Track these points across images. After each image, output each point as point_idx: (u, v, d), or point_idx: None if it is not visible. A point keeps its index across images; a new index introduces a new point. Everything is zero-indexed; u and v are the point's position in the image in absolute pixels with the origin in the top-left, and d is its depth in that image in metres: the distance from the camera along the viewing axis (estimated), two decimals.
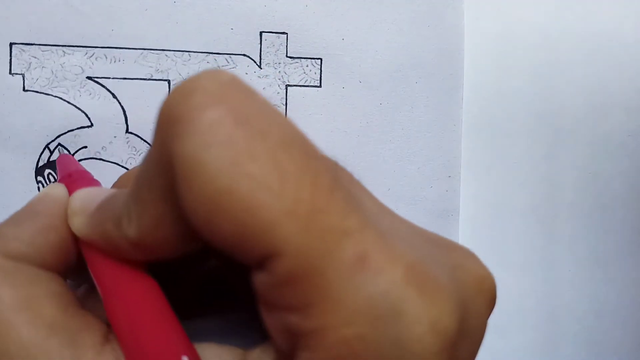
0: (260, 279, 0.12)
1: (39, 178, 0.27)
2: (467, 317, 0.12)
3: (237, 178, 0.11)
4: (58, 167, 0.21)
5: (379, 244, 0.12)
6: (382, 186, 0.29)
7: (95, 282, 0.15)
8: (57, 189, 0.17)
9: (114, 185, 0.19)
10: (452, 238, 0.29)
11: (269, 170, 0.11)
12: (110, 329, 0.15)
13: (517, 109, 0.30)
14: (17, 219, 0.16)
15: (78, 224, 0.16)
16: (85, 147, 0.27)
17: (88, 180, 0.18)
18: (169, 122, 0.12)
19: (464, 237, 0.30)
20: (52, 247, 0.16)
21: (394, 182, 0.29)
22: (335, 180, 0.12)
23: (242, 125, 0.12)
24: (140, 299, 0.14)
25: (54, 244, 0.16)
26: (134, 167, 0.18)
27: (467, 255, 0.14)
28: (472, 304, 0.13)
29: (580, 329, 0.31)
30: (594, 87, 0.30)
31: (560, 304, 0.31)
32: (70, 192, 0.17)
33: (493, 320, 0.30)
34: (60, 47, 0.27)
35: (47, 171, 0.27)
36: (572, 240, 0.31)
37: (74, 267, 0.16)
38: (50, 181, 0.27)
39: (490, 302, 0.14)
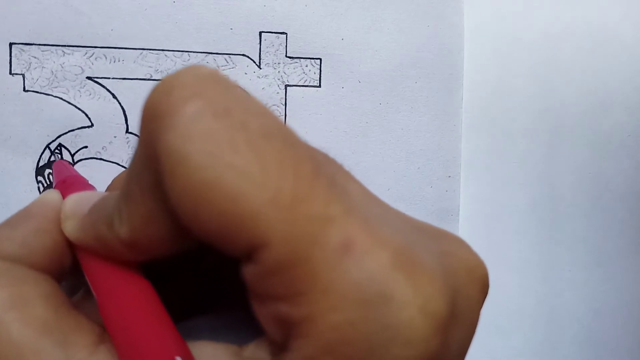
0: (249, 271, 0.12)
1: (40, 178, 0.27)
2: (458, 303, 0.12)
3: (219, 169, 0.11)
4: (54, 173, 0.21)
5: (364, 229, 0.12)
6: (381, 186, 0.29)
7: (90, 285, 0.15)
8: (52, 194, 0.17)
9: (108, 188, 0.19)
10: None
11: (250, 160, 0.11)
12: (105, 331, 0.15)
13: (517, 108, 0.30)
14: (11, 221, 0.16)
15: (70, 228, 0.16)
16: (86, 147, 0.28)
17: (82, 184, 0.18)
18: (152, 117, 0.12)
19: (463, 237, 0.30)
20: (44, 249, 0.16)
21: (394, 182, 0.29)
22: (317, 168, 0.12)
23: (222, 116, 0.12)
24: (133, 300, 0.14)
25: (47, 246, 0.16)
26: (125, 170, 0.19)
27: (458, 242, 0.14)
28: (463, 290, 0.13)
29: (580, 328, 0.31)
30: (594, 86, 0.30)
31: (560, 303, 0.31)
32: (64, 197, 0.17)
33: (493, 320, 0.30)
34: (60, 47, 0.27)
35: (47, 171, 0.27)
36: (571, 240, 0.31)
37: (69, 270, 0.17)
38: (50, 181, 0.27)
39: (482, 289, 0.14)
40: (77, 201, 0.16)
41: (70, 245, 0.16)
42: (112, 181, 0.20)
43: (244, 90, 0.13)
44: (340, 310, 0.11)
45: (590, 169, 0.30)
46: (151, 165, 0.12)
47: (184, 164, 0.11)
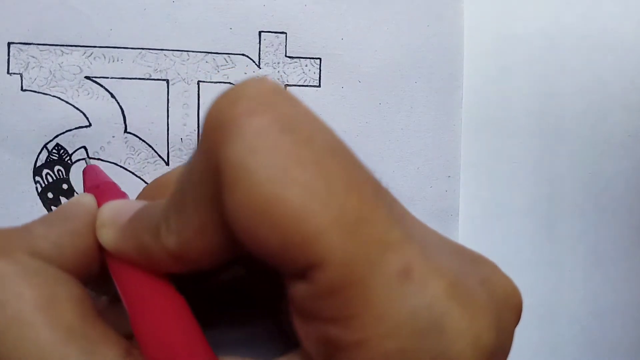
0: (300, 290, 0.12)
1: (37, 178, 0.27)
2: (500, 331, 0.12)
3: (284, 184, 0.11)
4: (85, 177, 0.20)
5: (421, 257, 0.11)
6: None
7: (120, 294, 0.15)
8: (87, 198, 0.17)
9: (138, 197, 0.19)
10: (452, 238, 0.29)
11: (316, 177, 0.11)
12: (131, 344, 0.14)
13: (516, 108, 0.30)
14: (47, 220, 0.16)
15: (107, 236, 0.15)
16: (84, 147, 0.27)
17: (116, 192, 0.18)
18: (216, 128, 0.12)
19: (463, 237, 0.30)
20: (77, 251, 0.15)
21: (394, 182, 0.29)
22: (378, 190, 0.12)
23: (289, 132, 0.12)
24: (167, 313, 0.14)
25: (80, 249, 0.15)
26: (156, 179, 0.18)
27: (493, 268, 0.14)
28: (502, 317, 0.13)
29: (580, 328, 0.31)
30: (594, 87, 0.30)
31: (560, 303, 0.31)
32: (99, 203, 0.17)
33: None
34: (59, 47, 0.27)
35: (45, 171, 0.27)
36: (572, 240, 0.30)
37: (95, 277, 0.16)
38: (48, 181, 0.27)
39: (517, 315, 0.14)
40: (115, 209, 0.16)
41: (100, 252, 0.16)
42: (144, 189, 0.19)
43: (307, 106, 0.13)
44: (394, 338, 0.11)
45: (590, 169, 0.30)
46: (210, 176, 0.12)
47: (247, 178, 0.11)
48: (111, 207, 0.16)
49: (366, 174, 0.12)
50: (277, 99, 0.12)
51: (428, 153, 0.29)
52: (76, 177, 0.27)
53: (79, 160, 0.27)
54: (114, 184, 0.19)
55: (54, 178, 0.27)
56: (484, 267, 0.14)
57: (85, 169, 0.21)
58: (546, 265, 0.30)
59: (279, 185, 0.11)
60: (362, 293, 0.11)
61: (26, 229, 0.15)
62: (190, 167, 0.13)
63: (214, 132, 0.12)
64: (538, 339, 0.30)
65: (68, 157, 0.27)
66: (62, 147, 0.27)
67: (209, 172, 0.12)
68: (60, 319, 0.14)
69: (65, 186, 0.27)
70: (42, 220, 0.16)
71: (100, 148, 0.28)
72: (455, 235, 0.30)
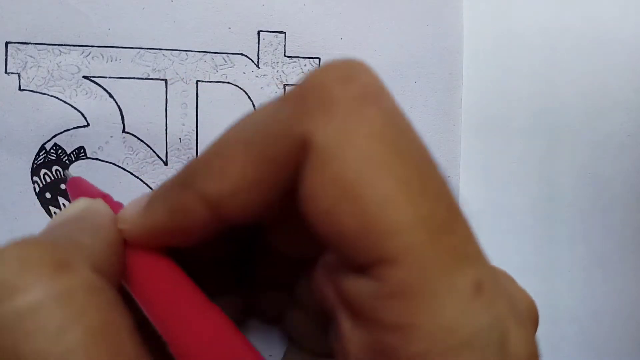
0: (362, 287, 0.11)
1: (35, 178, 0.27)
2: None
3: (378, 172, 0.11)
4: (71, 189, 0.20)
5: (491, 274, 0.11)
6: None
7: (145, 310, 0.14)
8: (98, 203, 0.15)
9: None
10: None
11: (412, 174, 0.11)
12: None
13: (516, 108, 0.30)
14: (81, 228, 0.14)
15: (132, 222, 0.14)
16: (82, 147, 0.27)
17: (107, 196, 0.17)
18: (315, 99, 0.11)
19: None
20: (120, 265, 0.14)
21: None
22: (459, 206, 0.12)
23: (391, 126, 0.11)
24: (204, 322, 0.13)
25: (118, 259, 0.14)
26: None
27: (511, 281, 0.14)
28: (530, 330, 0.13)
29: (580, 329, 0.31)
30: (594, 87, 0.30)
31: (560, 304, 0.31)
32: (114, 210, 0.15)
33: None
34: (57, 46, 0.27)
35: (43, 171, 0.27)
36: (571, 241, 0.30)
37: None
38: (46, 181, 0.27)
39: (536, 325, 0.14)
40: (134, 204, 0.15)
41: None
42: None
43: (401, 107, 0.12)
44: (458, 353, 0.11)
45: (590, 169, 0.30)
46: (287, 142, 0.12)
47: (340, 158, 0.11)
48: (132, 203, 0.15)
49: (449, 185, 0.12)
50: (384, 92, 0.12)
51: None
52: None
53: (77, 160, 0.27)
54: (101, 191, 0.18)
55: (52, 178, 0.27)
56: (504, 280, 0.14)
57: (69, 181, 0.20)
58: (546, 265, 0.30)
59: (372, 173, 0.11)
60: (432, 301, 0.11)
61: (72, 239, 0.13)
62: (258, 121, 0.12)
63: (310, 103, 0.12)
64: (537, 339, 0.30)
65: (66, 157, 0.27)
66: (60, 147, 0.27)
67: (287, 138, 0.12)
68: (122, 351, 0.12)
69: (63, 186, 0.27)
70: (76, 228, 0.14)
71: (99, 148, 0.27)
72: None
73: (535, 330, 0.13)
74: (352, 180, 0.11)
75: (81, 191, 0.18)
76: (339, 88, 0.11)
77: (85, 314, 0.11)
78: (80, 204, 0.15)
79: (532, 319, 0.13)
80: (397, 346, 0.11)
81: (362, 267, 0.11)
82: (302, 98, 0.12)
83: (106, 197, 0.17)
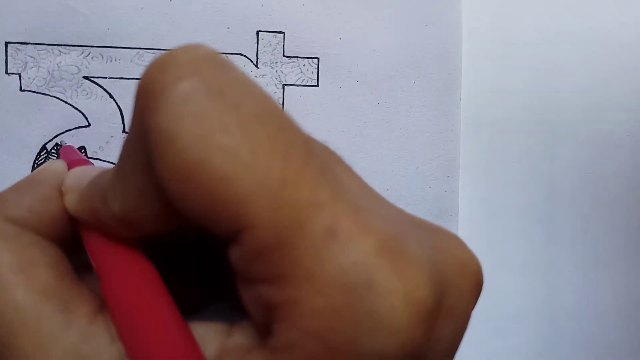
0: (234, 253, 0.12)
1: None
2: (448, 296, 0.12)
3: (209, 150, 0.11)
4: (62, 156, 0.21)
5: (350, 216, 0.12)
6: (380, 186, 0.29)
7: (91, 260, 0.15)
8: (57, 163, 0.17)
9: None
10: None
11: (241, 142, 0.11)
12: (104, 302, 0.15)
13: (516, 108, 0.30)
14: (18, 187, 0.16)
15: (70, 202, 0.16)
16: (83, 147, 0.27)
17: (86, 163, 0.18)
18: (144, 94, 0.12)
19: (463, 237, 0.30)
20: (50, 216, 0.16)
21: (393, 182, 0.29)
22: (309, 153, 0.12)
23: (215, 97, 0.12)
24: (134, 278, 0.14)
25: (53, 213, 0.16)
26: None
27: (452, 238, 0.14)
28: (454, 284, 0.13)
29: (580, 329, 0.31)
30: (594, 87, 0.30)
31: (560, 304, 0.30)
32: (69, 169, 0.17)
33: (491, 321, 0.30)
34: (56, 47, 0.27)
35: None
36: (571, 241, 0.30)
37: (71, 243, 0.16)
38: None
39: (475, 286, 0.13)
40: (78, 175, 0.16)
41: (73, 218, 0.16)
42: None
43: (242, 73, 0.13)
44: (323, 296, 0.11)
45: (590, 169, 0.30)
46: (142, 143, 0.12)
47: (173, 144, 0.11)
48: (74, 173, 0.16)
49: (297, 138, 0.12)
50: (205, 65, 0.12)
51: (427, 153, 0.29)
52: None
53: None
54: (88, 160, 0.19)
55: None
56: (441, 236, 0.14)
57: (61, 149, 0.21)
58: (545, 265, 0.30)
59: (203, 151, 0.11)
60: (290, 253, 0.11)
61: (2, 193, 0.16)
62: (128, 136, 0.13)
63: (143, 99, 0.12)
64: (538, 339, 0.30)
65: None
66: (61, 147, 0.27)
67: (142, 140, 0.12)
68: (36, 280, 0.14)
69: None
70: (13, 187, 0.16)
71: (99, 148, 0.28)
72: None
73: (472, 287, 0.13)
74: (188, 163, 0.11)
75: (67, 157, 0.19)
76: (157, 76, 0.12)
77: None
78: (46, 163, 0.17)
79: (467, 274, 0.13)
80: (272, 297, 0.12)
81: (229, 238, 0.12)
82: (136, 100, 0.13)
83: (87, 163, 0.18)
